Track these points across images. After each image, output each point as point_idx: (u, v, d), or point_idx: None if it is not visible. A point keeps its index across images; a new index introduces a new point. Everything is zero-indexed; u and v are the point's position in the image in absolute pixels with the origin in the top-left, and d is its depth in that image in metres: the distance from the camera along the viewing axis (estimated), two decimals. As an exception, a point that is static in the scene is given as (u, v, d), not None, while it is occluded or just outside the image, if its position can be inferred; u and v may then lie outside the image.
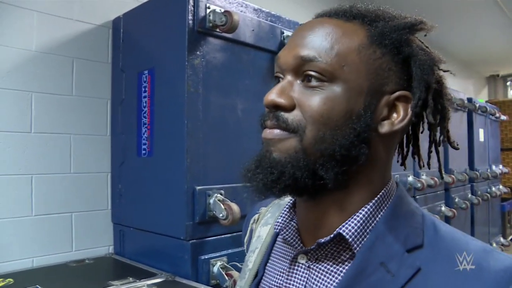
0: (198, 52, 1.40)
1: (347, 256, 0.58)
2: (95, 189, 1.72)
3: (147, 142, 1.55)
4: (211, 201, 1.39)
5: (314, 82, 0.57)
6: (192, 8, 1.39)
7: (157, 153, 1.52)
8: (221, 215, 1.36)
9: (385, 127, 0.58)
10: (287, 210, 0.66)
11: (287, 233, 0.63)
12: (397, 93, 0.58)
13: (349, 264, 0.57)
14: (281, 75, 0.61)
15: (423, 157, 0.69)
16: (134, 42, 1.68)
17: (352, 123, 0.56)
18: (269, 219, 0.74)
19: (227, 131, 1.49)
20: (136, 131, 1.60)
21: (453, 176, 3.06)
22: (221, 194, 1.42)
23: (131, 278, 1.34)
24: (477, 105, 3.66)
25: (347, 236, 0.56)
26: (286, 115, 0.57)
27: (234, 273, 1.37)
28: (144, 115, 1.56)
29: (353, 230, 0.57)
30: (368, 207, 0.58)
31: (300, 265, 0.61)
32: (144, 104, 1.56)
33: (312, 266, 0.60)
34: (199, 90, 1.40)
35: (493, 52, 5.56)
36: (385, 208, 0.60)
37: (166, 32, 1.49)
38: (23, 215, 1.52)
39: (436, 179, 2.78)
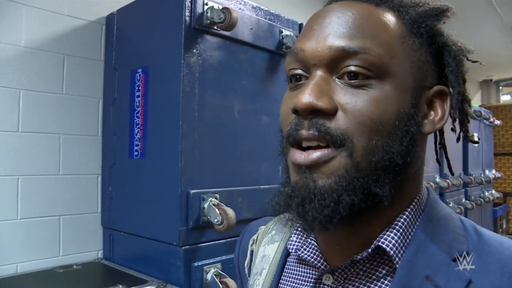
0: (194, 50, 1.35)
1: (384, 271, 0.50)
2: (85, 191, 1.65)
3: (139, 143, 1.49)
4: (206, 205, 1.34)
5: (359, 80, 0.47)
6: (190, 4, 1.33)
7: (150, 155, 1.46)
8: (216, 220, 1.30)
9: (427, 127, 0.51)
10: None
11: (305, 252, 0.55)
12: (436, 88, 0.52)
13: (388, 281, 0.49)
14: (303, 73, 0.51)
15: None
16: (128, 39, 1.62)
17: (405, 126, 0.48)
18: (274, 236, 0.65)
19: (223, 133, 1.44)
20: (128, 131, 1.54)
21: (448, 180, 3.03)
22: (216, 198, 1.36)
23: (121, 286, 1.28)
24: (472, 110, 3.65)
25: (388, 249, 0.48)
26: (328, 123, 0.46)
27: (229, 280, 1.31)
28: (137, 115, 1.50)
29: (393, 241, 0.49)
30: (407, 213, 0.51)
31: (326, 287, 0.53)
32: (137, 104, 1.50)
33: None
34: (195, 90, 1.35)
35: (487, 57, 5.55)
36: (422, 213, 0.53)
37: (161, 29, 1.44)
38: (8, 218, 1.45)
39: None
